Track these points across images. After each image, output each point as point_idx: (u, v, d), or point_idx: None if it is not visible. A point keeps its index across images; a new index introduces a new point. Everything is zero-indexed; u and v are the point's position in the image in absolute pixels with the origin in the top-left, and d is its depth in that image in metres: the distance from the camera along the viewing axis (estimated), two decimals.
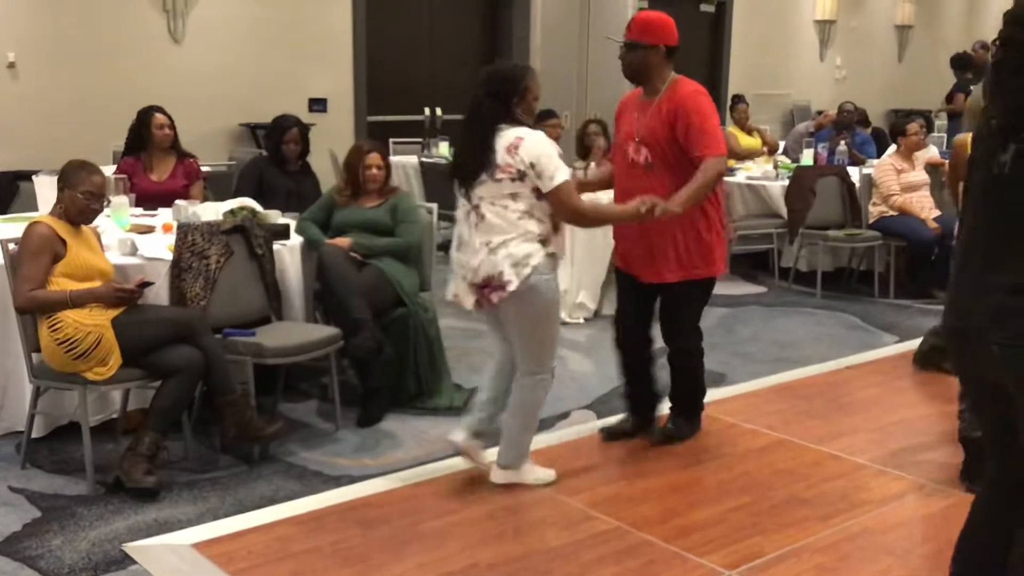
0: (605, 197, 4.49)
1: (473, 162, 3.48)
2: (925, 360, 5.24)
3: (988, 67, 3.28)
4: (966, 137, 3.88)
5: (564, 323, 6.17)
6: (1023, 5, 2.33)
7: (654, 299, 4.14)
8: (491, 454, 3.84)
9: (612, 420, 4.38)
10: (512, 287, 3.44)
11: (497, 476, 3.77)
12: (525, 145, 3.43)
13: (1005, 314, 2.29)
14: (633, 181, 3.92)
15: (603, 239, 6.25)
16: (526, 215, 3.46)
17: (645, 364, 4.23)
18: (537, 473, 3.80)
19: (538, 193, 3.46)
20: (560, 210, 3.51)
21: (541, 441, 4.26)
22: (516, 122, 3.49)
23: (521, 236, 3.46)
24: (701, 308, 4.18)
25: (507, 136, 3.44)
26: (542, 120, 7.29)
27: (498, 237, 3.46)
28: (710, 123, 3.84)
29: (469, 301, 3.59)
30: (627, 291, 4.18)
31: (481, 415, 3.79)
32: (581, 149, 6.96)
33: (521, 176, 3.43)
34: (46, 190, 4.77)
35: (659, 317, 4.15)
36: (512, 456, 3.76)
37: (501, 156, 3.43)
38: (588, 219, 3.65)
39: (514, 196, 3.45)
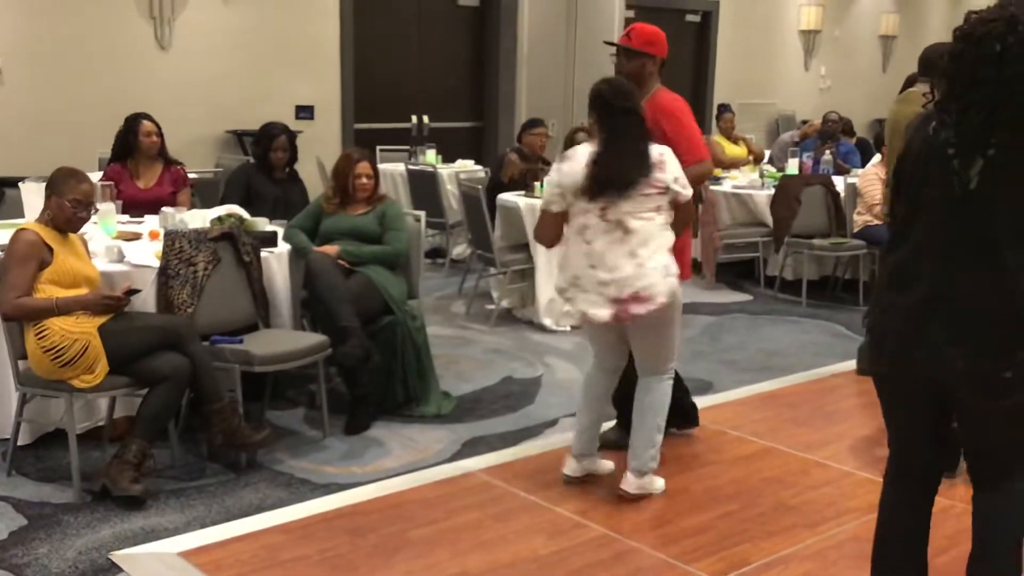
0: None
1: (630, 176, 3.53)
2: None
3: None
4: None
5: (551, 331, 6.20)
6: (972, 23, 2.37)
7: None
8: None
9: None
10: (663, 298, 3.53)
11: (633, 486, 3.73)
12: (668, 160, 3.58)
13: (973, 332, 2.37)
14: None
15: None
16: (665, 227, 3.59)
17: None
18: (659, 482, 3.84)
19: (674, 204, 3.60)
20: (687, 216, 3.72)
21: (530, 448, 4.28)
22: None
23: (664, 247, 3.57)
24: None
25: (653, 153, 3.57)
26: (529, 128, 7.34)
27: (647, 250, 3.53)
28: (686, 131, 3.94)
29: (603, 314, 3.55)
30: None
31: (584, 440, 3.87)
32: None
33: (666, 190, 3.56)
34: (33, 196, 4.76)
35: None
36: (649, 459, 3.75)
37: (653, 172, 3.55)
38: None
39: (658, 209, 3.57)
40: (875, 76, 13.56)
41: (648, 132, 3.65)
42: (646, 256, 3.51)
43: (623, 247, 3.52)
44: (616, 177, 3.53)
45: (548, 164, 7.11)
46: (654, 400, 3.73)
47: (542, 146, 7.31)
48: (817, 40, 12.73)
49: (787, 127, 11.32)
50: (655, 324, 3.63)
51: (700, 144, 3.99)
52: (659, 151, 3.59)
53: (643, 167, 3.53)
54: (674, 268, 3.59)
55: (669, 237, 3.60)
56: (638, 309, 3.50)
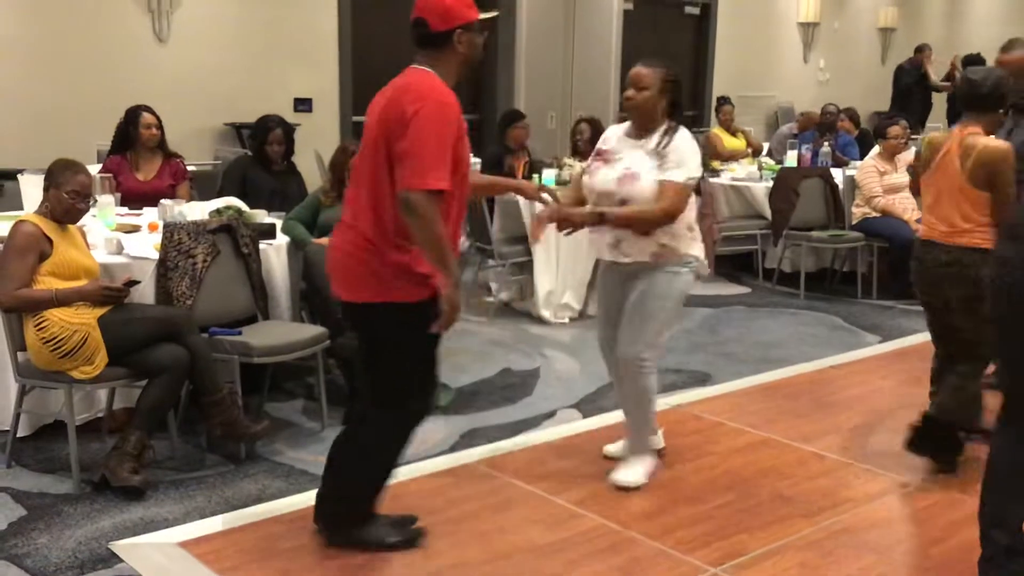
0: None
1: None
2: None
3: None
4: (940, 136, 3.95)
5: (549, 323, 6.21)
6: None
7: None
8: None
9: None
10: None
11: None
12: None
13: None
14: None
15: (587, 240, 6.27)
16: None
17: None
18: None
19: None
20: None
21: (528, 440, 4.29)
22: None
23: None
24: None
25: None
26: (514, 123, 7.32)
27: None
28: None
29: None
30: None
31: None
32: (574, 148, 7.02)
33: None
34: (32, 189, 4.76)
35: None
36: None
37: None
38: None
39: None
40: (874, 68, 13.53)
41: None
42: None
43: None
44: None
45: (531, 156, 7.12)
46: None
47: (523, 140, 7.31)
48: (816, 32, 12.71)
49: (786, 119, 11.31)
50: None
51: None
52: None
53: None
54: None
55: None
56: None
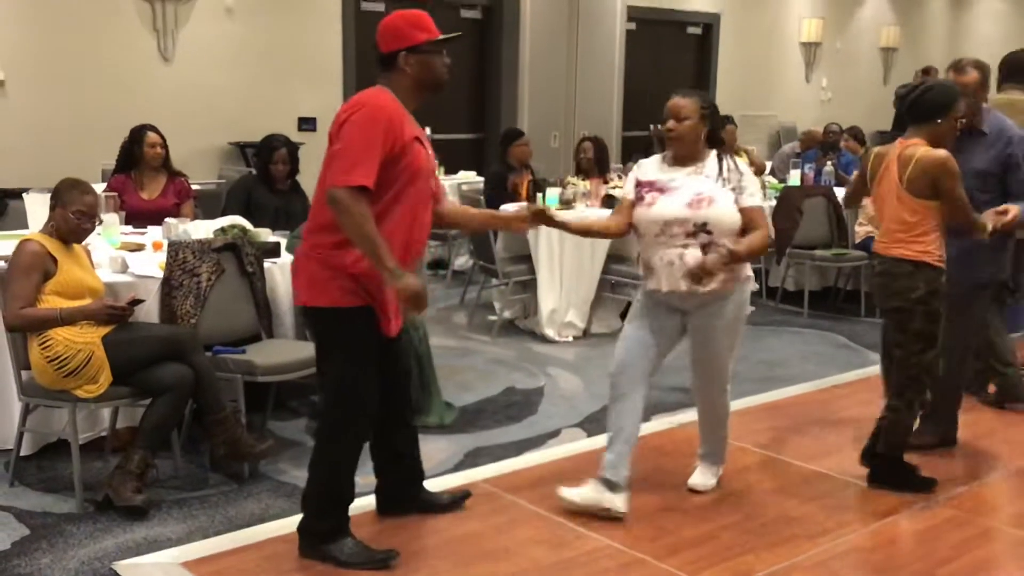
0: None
1: None
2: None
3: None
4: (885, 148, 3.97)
5: (553, 341, 6.20)
6: None
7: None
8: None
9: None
10: None
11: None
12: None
13: None
14: None
15: (591, 258, 6.29)
16: None
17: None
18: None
19: None
20: None
21: (533, 459, 4.28)
22: None
23: None
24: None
25: None
26: (515, 141, 7.34)
27: None
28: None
29: None
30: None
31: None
32: (578, 167, 7.03)
33: None
34: (37, 207, 4.77)
35: None
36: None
37: None
38: None
39: None
40: (876, 88, 13.58)
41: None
42: None
43: None
44: None
45: (534, 175, 7.14)
46: None
47: (525, 158, 7.33)
48: (818, 52, 12.76)
49: (788, 139, 11.34)
50: None
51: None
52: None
53: None
54: None
55: None
56: None
